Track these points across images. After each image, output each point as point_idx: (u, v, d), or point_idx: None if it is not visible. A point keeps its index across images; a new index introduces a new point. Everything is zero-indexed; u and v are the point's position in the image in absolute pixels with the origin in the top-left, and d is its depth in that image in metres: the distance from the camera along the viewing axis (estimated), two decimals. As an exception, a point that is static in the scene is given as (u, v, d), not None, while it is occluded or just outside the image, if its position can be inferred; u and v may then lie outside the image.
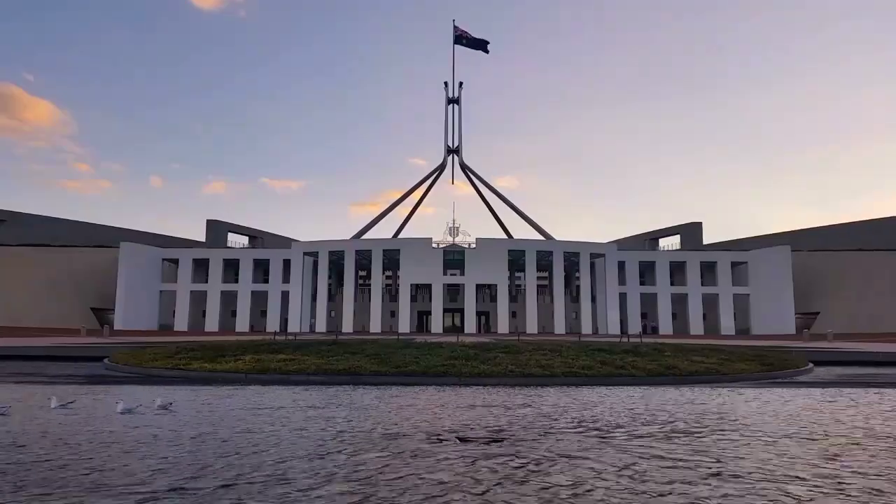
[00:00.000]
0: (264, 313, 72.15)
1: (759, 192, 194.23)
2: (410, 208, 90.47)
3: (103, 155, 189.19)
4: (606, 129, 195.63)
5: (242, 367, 18.49)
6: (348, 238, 77.49)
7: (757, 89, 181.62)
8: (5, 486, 5.34)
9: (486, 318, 74.44)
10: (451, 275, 73.58)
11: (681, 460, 6.63)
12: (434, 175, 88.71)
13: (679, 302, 74.26)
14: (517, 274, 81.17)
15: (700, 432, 8.51)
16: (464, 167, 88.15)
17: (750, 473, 6.00)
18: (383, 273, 73.89)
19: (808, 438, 8.07)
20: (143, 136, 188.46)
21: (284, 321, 70.68)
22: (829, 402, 12.35)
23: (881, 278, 69.98)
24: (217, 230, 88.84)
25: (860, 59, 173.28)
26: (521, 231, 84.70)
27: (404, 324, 68.62)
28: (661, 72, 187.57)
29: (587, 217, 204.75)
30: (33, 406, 10.89)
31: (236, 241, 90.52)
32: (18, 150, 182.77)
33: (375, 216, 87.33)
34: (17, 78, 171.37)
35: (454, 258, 72.69)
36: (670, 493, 5.26)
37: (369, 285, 72.34)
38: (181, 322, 72.23)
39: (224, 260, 75.07)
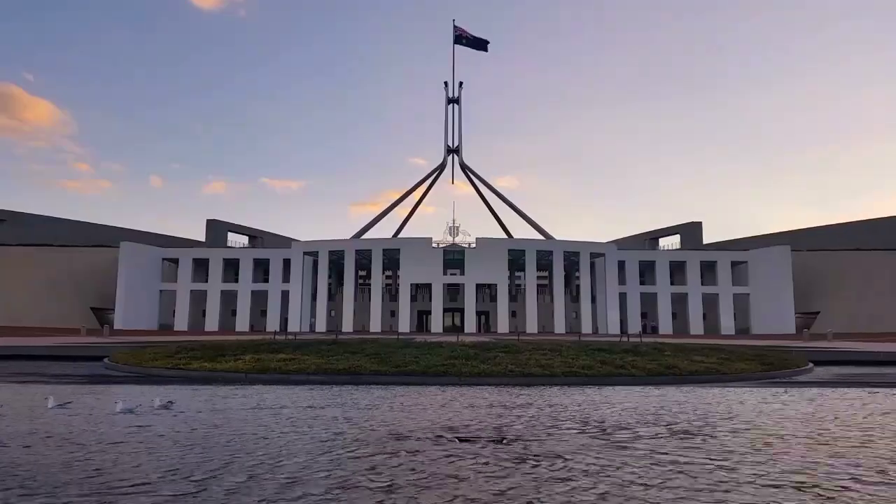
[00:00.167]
0: (264, 313, 72.14)
1: (759, 192, 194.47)
2: (410, 208, 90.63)
3: (103, 155, 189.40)
4: (606, 129, 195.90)
5: (242, 366, 18.44)
6: (348, 238, 77.49)
7: (757, 89, 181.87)
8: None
9: (485, 318, 74.41)
10: (451, 274, 73.55)
11: (688, 462, 6.60)
12: (434, 175, 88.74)
13: (679, 302, 74.27)
14: (517, 274, 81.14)
15: (704, 432, 8.48)
16: (464, 167, 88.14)
17: (757, 475, 5.97)
18: (383, 273, 73.87)
19: (814, 439, 8.04)
20: (143, 136, 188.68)
21: (284, 321, 70.67)
22: (835, 401, 12.32)
23: (881, 278, 70.05)
24: (217, 230, 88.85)
25: (860, 59, 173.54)
26: (521, 231, 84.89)
27: (404, 323, 68.61)
28: (661, 72, 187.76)
29: (587, 217, 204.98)
30: (32, 406, 10.83)
31: (236, 240, 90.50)
32: (18, 150, 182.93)
33: (375, 216, 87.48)
34: (17, 78, 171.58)
35: (454, 258, 72.68)
36: (681, 498, 5.22)
37: (369, 285, 72.34)
38: (181, 322, 72.23)
39: (224, 260, 75.07)
